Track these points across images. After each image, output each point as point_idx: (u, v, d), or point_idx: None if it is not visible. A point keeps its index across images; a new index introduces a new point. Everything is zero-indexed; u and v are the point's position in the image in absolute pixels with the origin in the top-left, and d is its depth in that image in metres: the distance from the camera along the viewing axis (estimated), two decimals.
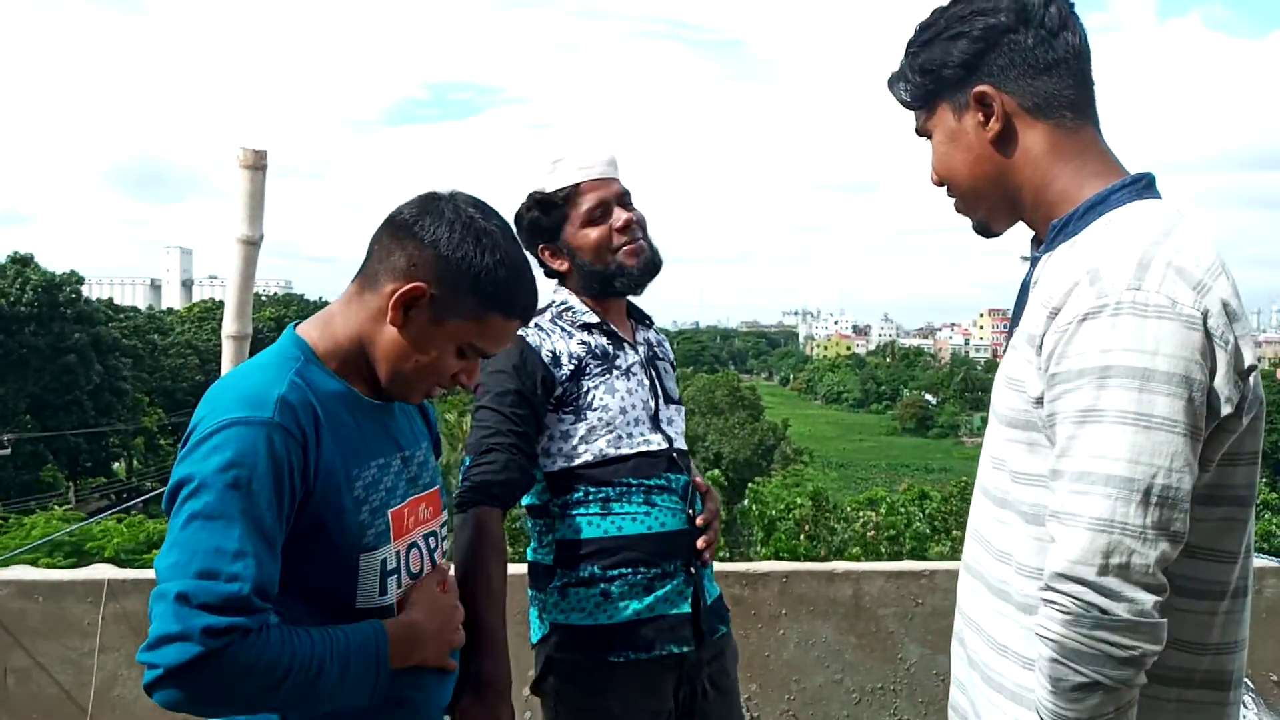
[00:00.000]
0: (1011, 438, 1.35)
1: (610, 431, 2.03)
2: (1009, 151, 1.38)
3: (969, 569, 1.48)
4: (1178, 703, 1.28)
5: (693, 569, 2.07)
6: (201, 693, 1.25)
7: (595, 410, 2.03)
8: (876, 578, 3.47)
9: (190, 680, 1.22)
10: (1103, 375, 1.18)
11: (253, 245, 3.45)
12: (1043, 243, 1.38)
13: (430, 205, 1.49)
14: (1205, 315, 1.18)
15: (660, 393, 2.15)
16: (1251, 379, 1.23)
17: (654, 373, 2.16)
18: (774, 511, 15.29)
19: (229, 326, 3.51)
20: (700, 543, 2.07)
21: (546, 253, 2.13)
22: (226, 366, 3.52)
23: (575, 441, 2.02)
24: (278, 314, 61.97)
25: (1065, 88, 1.34)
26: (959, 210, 1.49)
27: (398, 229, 1.48)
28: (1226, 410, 1.20)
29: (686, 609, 2.04)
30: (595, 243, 2.07)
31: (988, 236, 1.49)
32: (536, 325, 2.09)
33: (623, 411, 2.05)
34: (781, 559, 12.94)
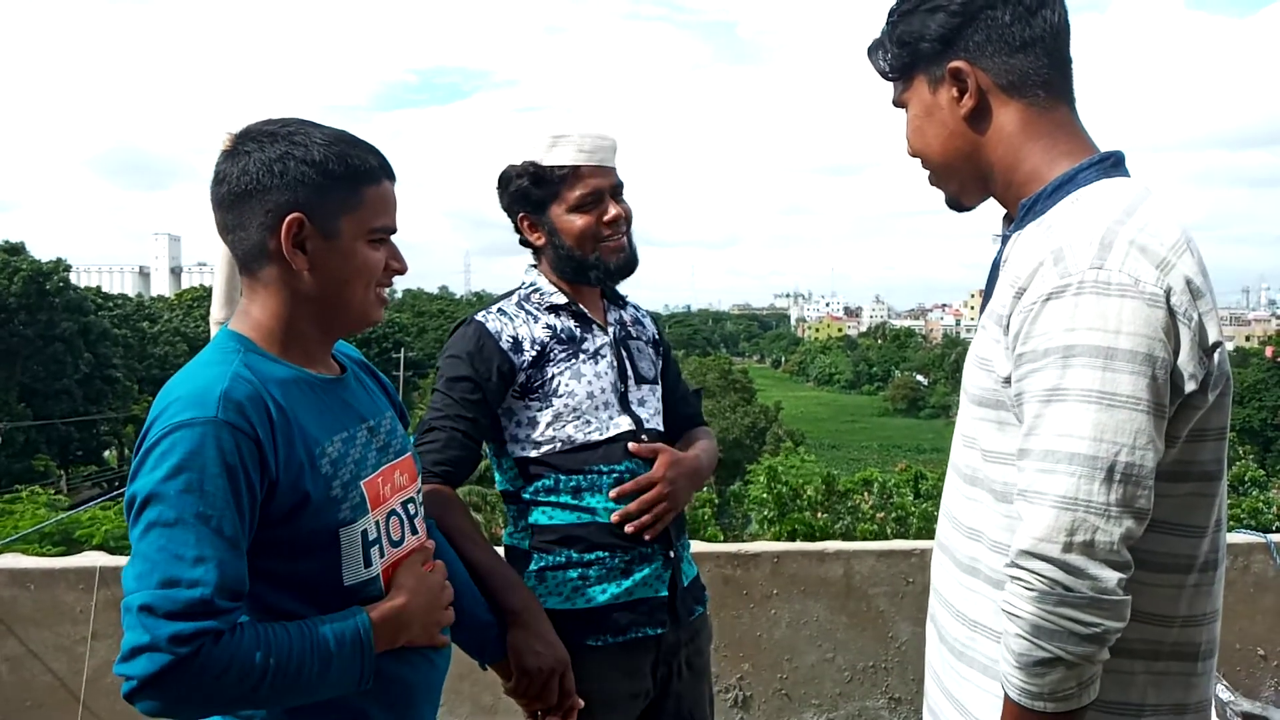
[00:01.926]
0: (981, 416, 1.36)
1: (577, 417, 2.01)
2: (982, 128, 1.37)
3: (940, 546, 1.49)
4: (1146, 675, 1.30)
5: (671, 553, 2.06)
6: (178, 698, 1.25)
7: (561, 396, 2.01)
8: (867, 557, 3.50)
9: (165, 688, 1.23)
10: (1067, 355, 1.18)
11: None
12: (1013, 221, 1.38)
13: (231, 164, 1.43)
14: (1168, 293, 1.18)
15: (631, 373, 2.12)
16: (1217, 355, 1.23)
17: (624, 353, 2.13)
18: (786, 489, 15.30)
19: (217, 313, 3.51)
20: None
21: (526, 223, 2.10)
22: None
23: (542, 427, 2.01)
24: None
25: (1040, 66, 1.34)
26: (932, 183, 1.49)
27: (231, 206, 1.43)
28: (1191, 387, 1.20)
29: (665, 592, 2.05)
30: (580, 231, 2.03)
31: (960, 211, 1.49)
32: (500, 310, 2.07)
33: (589, 396, 2.03)
34: (796, 536, 12.96)
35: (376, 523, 1.49)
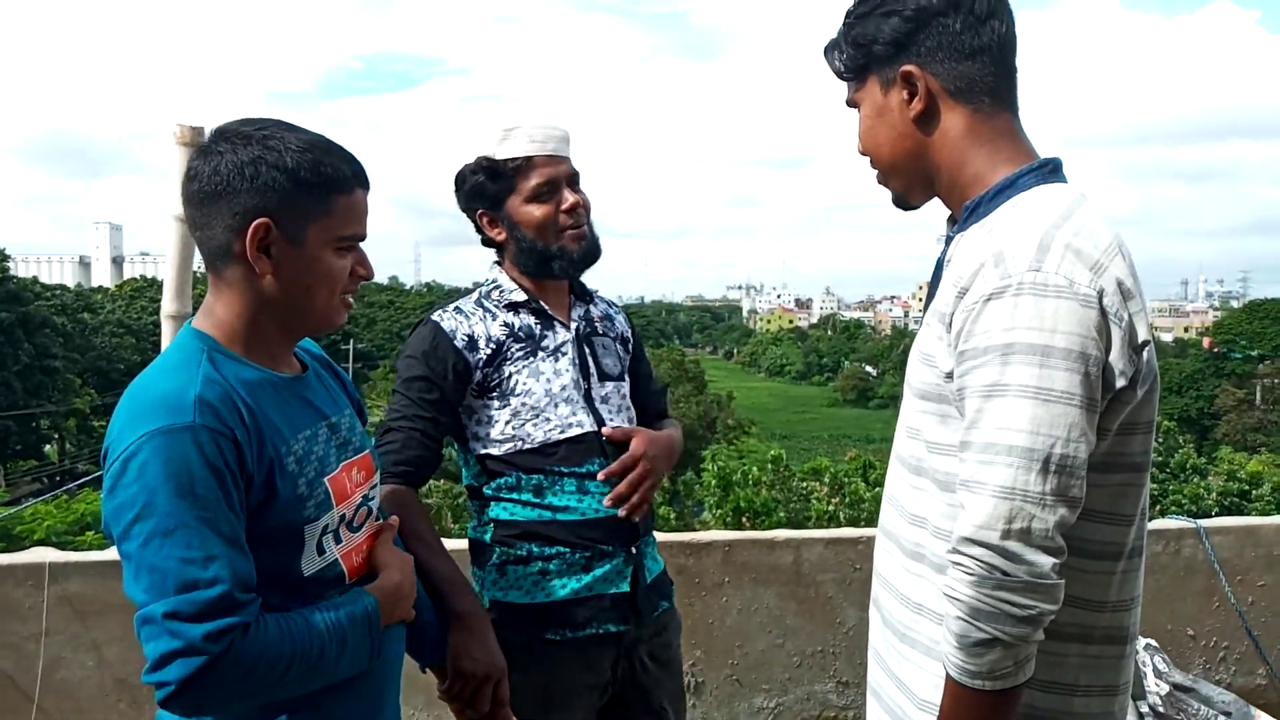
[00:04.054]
0: (925, 409, 1.41)
1: (535, 415, 2.01)
2: (929, 131, 1.42)
3: (885, 532, 1.55)
4: (1079, 658, 1.36)
5: (633, 549, 2.07)
6: (215, 695, 1.29)
7: (518, 395, 2.01)
8: (816, 545, 3.56)
9: (204, 687, 1.26)
10: (1006, 352, 1.24)
11: None
12: (957, 222, 1.44)
13: (203, 163, 1.43)
14: (1101, 294, 1.24)
15: (594, 370, 2.12)
16: (1145, 353, 1.30)
17: (587, 349, 2.13)
18: (736, 476, 15.47)
19: (168, 306, 3.47)
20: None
21: (485, 219, 2.10)
22: (165, 346, 3.49)
23: (501, 425, 2.02)
24: None
25: (987, 74, 1.39)
26: (879, 182, 1.54)
27: (200, 204, 1.43)
28: (1121, 383, 1.27)
29: (625, 588, 2.05)
30: (539, 221, 2.03)
31: (905, 209, 1.54)
32: (456, 308, 2.07)
33: (548, 395, 2.03)
34: (742, 513, 13.08)
35: (341, 516, 1.52)
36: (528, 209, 2.03)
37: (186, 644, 1.24)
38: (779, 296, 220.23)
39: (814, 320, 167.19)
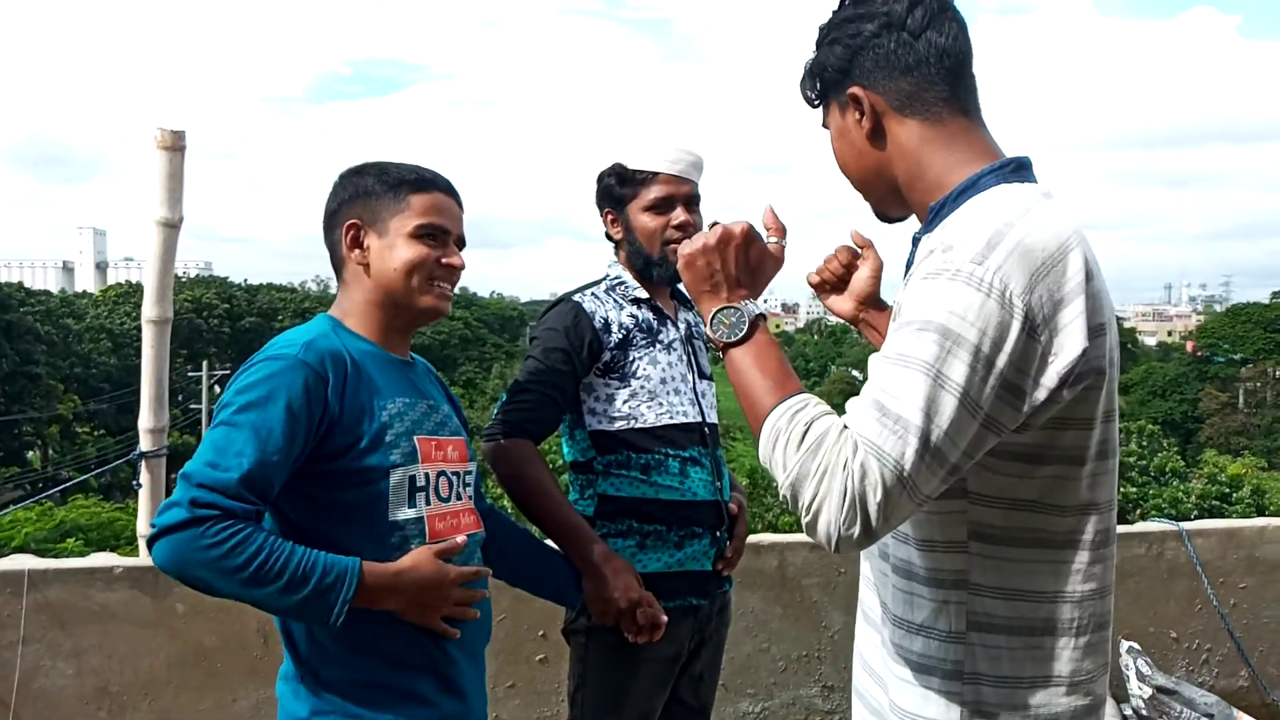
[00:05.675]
0: None
1: (652, 399, 2.26)
2: (882, 146, 1.47)
3: None
4: (1024, 650, 1.35)
5: (718, 533, 2.30)
6: (179, 555, 1.51)
7: (639, 379, 2.26)
8: (800, 549, 3.57)
9: (171, 541, 1.51)
10: (923, 327, 1.24)
11: (172, 227, 3.40)
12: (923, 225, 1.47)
13: (328, 198, 1.87)
14: (1029, 307, 1.23)
15: (695, 368, 2.39)
16: (1081, 358, 1.26)
17: (691, 349, 2.41)
18: None
19: (149, 311, 3.45)
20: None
21: (609, 217, 2.38)
22: (147, 352, 3.46)
23: (619, 404, 2.26)
24: (197, 295, 60.34)
25: (929, 85, 1.42)
26: (867, 201, 1.58)
27: (327, 228, 1.87)
28: (1039, 397, 1.25)
29: (709, 566, 2.29)
30: (649, 230, 2.30)
31: (888, 222, 1.57)
32: (593, 294, 2.33)
33: (663, 382, 2.28)
34: None
35: (426, 474, 1.75)
36: (643, 217, 2.31)
37: (178, 498, 1.53)
38: (765, 301, 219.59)
39: (800, 325, 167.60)
